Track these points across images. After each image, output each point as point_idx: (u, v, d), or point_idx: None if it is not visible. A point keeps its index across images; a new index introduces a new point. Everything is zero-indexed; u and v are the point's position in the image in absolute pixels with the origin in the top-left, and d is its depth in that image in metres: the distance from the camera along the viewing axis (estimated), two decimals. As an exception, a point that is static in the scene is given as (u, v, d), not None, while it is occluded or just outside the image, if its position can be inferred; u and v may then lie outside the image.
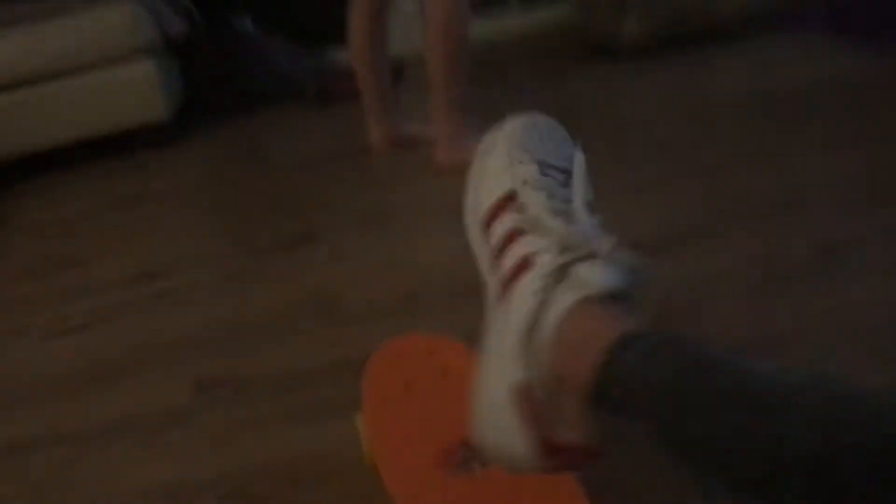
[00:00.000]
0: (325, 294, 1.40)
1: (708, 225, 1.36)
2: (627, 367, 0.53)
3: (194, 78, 3.00)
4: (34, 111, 2.54)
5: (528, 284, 0.61)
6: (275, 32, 3.18)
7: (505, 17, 3.56)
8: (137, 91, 2.57)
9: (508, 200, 0.66)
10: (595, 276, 0.59)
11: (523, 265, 0.63)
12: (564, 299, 0.59)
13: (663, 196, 1.52)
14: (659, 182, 1.59)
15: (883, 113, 1.71)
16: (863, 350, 0.95)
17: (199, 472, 0.99)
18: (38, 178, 2.62)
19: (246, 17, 3.17)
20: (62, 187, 2.48)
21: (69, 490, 1.02)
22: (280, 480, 0.94)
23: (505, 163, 0.68)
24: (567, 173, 0.69)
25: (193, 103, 2.94)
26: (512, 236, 0.65)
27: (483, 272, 0.70)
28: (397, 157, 2.09)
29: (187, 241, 1.82)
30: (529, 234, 0.63)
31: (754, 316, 1.07)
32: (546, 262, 0.61)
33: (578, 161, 0.70)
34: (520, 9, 3.57)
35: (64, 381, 1.29)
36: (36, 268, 1.83)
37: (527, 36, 3.40)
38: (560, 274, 0.60)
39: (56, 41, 2.50)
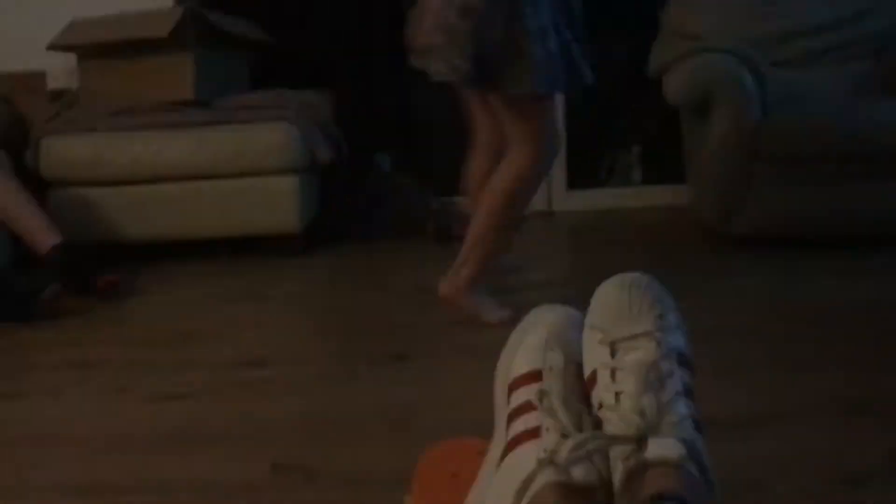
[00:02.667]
0: (404, 409, 1.48)
1: (783, 413, 1.38)
2: None
3: (330, 200, 3.26)
4: (189, 203, 2.83)
5: (532, 450, 0.72)
6: (408, 173, 3.43)
7: (627, 193, 3.71)
8: (279, 202, 2.82)
9: (533, 377, 0.77)
10: (579, 469, 0.69)
11: (532, 434, 0.74)
12: (543, 477, 0.70)
13: (747, 381, 1.55)
14: (747, 368, 1.62)
15: None
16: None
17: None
18: (174, 263, 2.87)
19: (386, 156, 3.45)
20: (193, 275, 2.71)
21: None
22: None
23: (541, 344, 0.79)
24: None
25: (325, 222, 3.18)
26: (528, 407, 0.76)
27: (496, 425, 0.83)
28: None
29: (293, 340, 1.97)
30: (541, 412, 0.74)
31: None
32: (549, 439, 0.72)
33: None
34: (642, 186, 3.72)
35: (156, 440, 1.41)
36: (156, 338, 2.01)
37: (646, 212, 3.52)
38: (553, 456, 0.71)
39: (219, 146, 2.80)
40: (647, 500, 0.64)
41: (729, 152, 2.62)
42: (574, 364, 0.78)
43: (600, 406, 0.73)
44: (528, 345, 0.82)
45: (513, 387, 0.79)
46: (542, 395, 0.75)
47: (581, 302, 2.18)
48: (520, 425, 0.75)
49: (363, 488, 1.20)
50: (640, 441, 0.67)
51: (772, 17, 3.04)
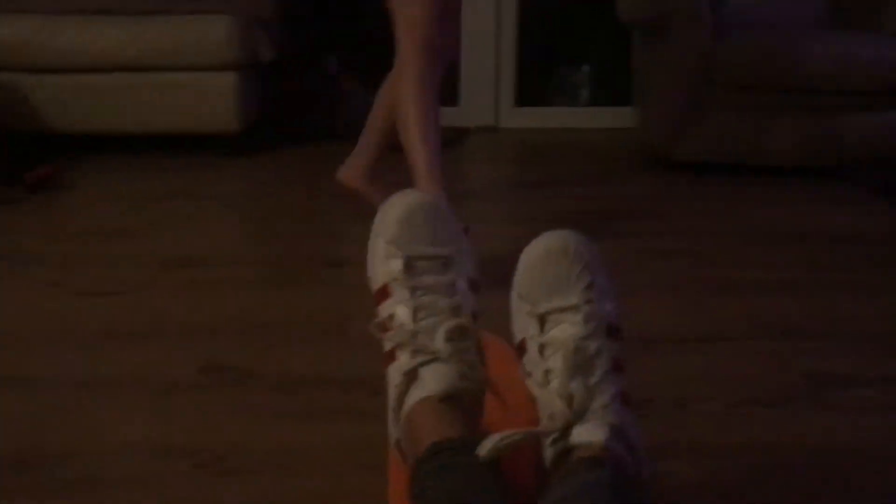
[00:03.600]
0: (339, 315, 1.48)
1: (716, 335, 1.42)
2: (419, 481, 0.66)
3: (272, 101, 3.16)
4: (123, 96, 2.71)
5: (393, 374, 0.75)
6: (354, 77, 3.34)
7: (574, 113, 3.70)
8: (217, 99, 2.72)
9: (385, 292, 0.78)
10: (433, 380, 0.71)
11: (391, 355, 0.76)
12: (412, 397, 0.72)
13: (684, 301, 1.58)
14: (686, 288, 1.66)
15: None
16: (827, 477, 0.99)
17: (182, 439, 1.06)
18: (111, 156, 2.77)
19: (333, 58, 3.35)
20: (130, 170, 2.62)
21: (62, 428, 1.09)
22: (261, 462, 1.01)
23: (381, 255, 0.80)
24: (443, 258, 0.79)
25: (266, 124, 3.09)
26: (385, 325, 0.77)
27: None
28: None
29: (228, 241, 1.93)
30: (394, 331, 0.75)
31: (735, 422, 1.12)
32: (402, 361, 0.74)
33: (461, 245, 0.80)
34: (590, 107, 3.71)
35: (83, 335, 1.38)
36: (85, 233, 1.95)
37: (592, 133, 3.52)
38: (411, 374, 0.73)
39: (157, 37, 2.67)
40: (578, 463, 0.65)
41: (682, 75, 2.62)
42: (425, 259, 0.78)
43: (529, 375, 0.74)
44: (374, 256, 0.83)
45: (376, 302, 0.80)
46: (389, 319, 0.76)
47: (522, 216, 2.18)
48: (386, 343, 0.77)
49: (293, 391, 1.19)
50: (566, 429, 0.68)
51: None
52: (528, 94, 3.71)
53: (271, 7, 2.99)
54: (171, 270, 1.70)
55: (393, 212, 0.81)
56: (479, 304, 0.80)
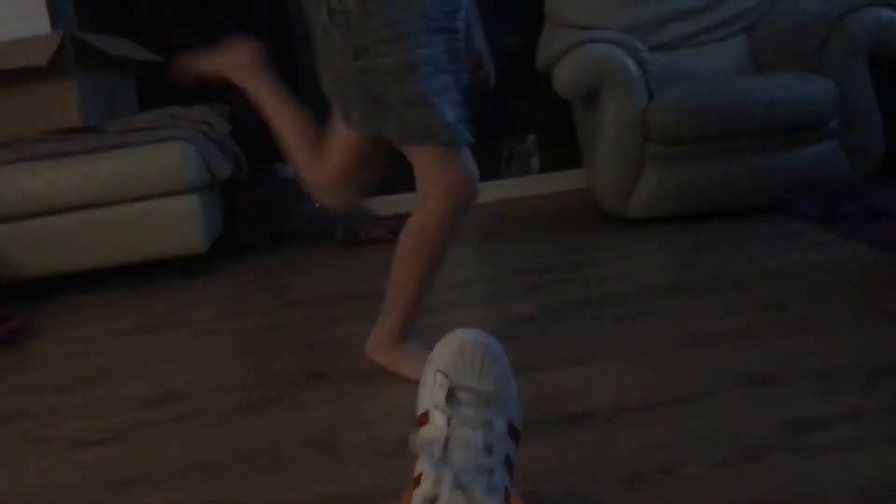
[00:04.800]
0: (329, 430, 1.50)
1: (688, 395, 1.47)
2: None
3: (233, 216, 3.22)
4: (86, 233, 2.75)
5: (417, 499, 0.78)
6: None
7: (527, 182, 3.80)
8: (180, 223, 2.78)
9: (425, 417, 0.82)
10: None
11: (417, 480, 0.79)
12: None
13: (653, 363, 1.63)
14: (652, 349, 1.71)
15: (865, 300, 1.83)
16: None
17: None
18: (75, 296, 2.79)
19: (285, 163, 3.43)
20: (96, 307, 2.64)
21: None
22: None
23: (430, 382, 0.85)
24: (486, 395, 0.83)
25: (229, 239, 3.15)
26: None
27: None
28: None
29: (207, 369, 1.95)
30: (424, 459, 0.79)
31: (721, 483, 1.16)
32: (426, 487, 0.77)
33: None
34: (541, 174, 3.82)
35: (81, 491, 1.39)
36: (64, 381, 1.96)
37: (547, 198, 3.61)
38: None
39: (113, 172, 2.73)
40: None
41: (620, 138, 2.74)
42: (468, 391, 0.83)
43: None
44: (424, 382, 0.87)
45: (417, 426, 0.84)
46: (421, 442, 0.80)
47: (488, 296, 2.21)
48: (417, 466, 0.80)
49: (296, 518, 1.21)
50: None
51: (646, 2, 3.17)
52: (479, 169, 3.80)
53: (222, 125, 3.08)
54: (156, 409, 1.71)
55: (448, 344, 0.86)
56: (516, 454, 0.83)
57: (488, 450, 0.79)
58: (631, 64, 2.72)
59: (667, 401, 1.45)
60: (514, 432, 0.84)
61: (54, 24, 3.32)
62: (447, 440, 0.78)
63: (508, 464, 0.81)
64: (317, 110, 1.82)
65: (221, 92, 3.30)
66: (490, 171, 3.83)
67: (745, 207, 2.79)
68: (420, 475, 0.78)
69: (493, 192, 3.77)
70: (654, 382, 1.54)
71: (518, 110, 3.80)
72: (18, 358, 2.20)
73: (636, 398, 1.47)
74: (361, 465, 1.35)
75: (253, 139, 3.30)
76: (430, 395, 0.83)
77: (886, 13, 2.74)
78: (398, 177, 3.76)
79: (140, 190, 2.75)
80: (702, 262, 2.33)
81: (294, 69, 3.36)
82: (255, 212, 3.29)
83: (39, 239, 2.74)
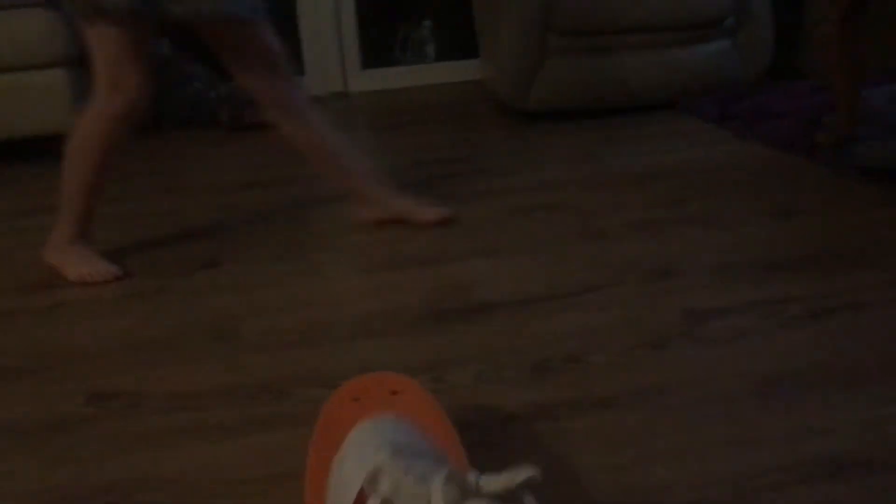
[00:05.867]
0: (226, 320, 1.43)
1: (592, 286, 1.48)
2: None
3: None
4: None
5: None
6: (193, 58, 3.20)
7: (421, 70, 3.70)
8: (48, 99, 2.55)
9: (370, 483, 0.70)
10: None
11: None
12: None
13: (556, 255, 1.63)
14: (555, 242, 1.71)
15: (758, 196, 1.88)
16: (718, 409, 1.06)
17: (84, 479, 1.01)
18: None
19: (165, 41, 3.19)
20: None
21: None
22: (168, 492, 0.97)
23: (357, 457, 0.76)
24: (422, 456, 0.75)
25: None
26: None
27: None
28: (307, 194, 2.15)
29: (88, 255, 1.82)
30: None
31: (625, 370, 1.18)
32: None
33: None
34: (436, 63, 3.72)
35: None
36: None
37: (442, 88, 3.53)
38: None
39: (-32, 40, 2.46)
40: None
41: (522, 29, 2.66)
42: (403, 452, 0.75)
43: None
44: (346, 471, 0.77)
45: None
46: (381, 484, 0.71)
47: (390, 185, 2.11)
48: None
49: (193, 411, 1.15)
50: None
51: None
52: (373, 55, 3.67)
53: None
54: (29, 297, 1.60)
55: (363, 430, 0.80)
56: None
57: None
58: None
59: (571, 292, 1.46)
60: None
61: None
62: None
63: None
64: None
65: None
66: (383, 57, 3.70)
67: (643, 104, 2.81)
68: None
69: (386, 79, 3.65)
70: (557, 274, 1.54)
71: (414, -6, 3.66)
72: None
73: (541, 289, 1.47)
74: (261, 354, 1.30)
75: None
76: (374, 461, 0.74)
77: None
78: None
79: (2, 62, 2.49)
80: (602, 157, 2.34)
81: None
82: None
83: None
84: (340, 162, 1.82)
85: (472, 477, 0.67)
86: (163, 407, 1.17)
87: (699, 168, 2.15)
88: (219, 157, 2.64)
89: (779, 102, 2.61)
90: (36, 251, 1.83)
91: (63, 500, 0.98)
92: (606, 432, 1.03)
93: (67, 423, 1.14)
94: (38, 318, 1.50)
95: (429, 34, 3.68)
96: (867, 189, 1.88)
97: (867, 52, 2.11)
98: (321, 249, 1.76)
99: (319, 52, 3.61)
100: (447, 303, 1.44)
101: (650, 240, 1.68)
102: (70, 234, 1.70)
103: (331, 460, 0.84)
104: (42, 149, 2.65)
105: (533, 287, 1.48)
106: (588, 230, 1.76)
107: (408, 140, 2.71)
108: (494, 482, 0.67)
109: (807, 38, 3.09)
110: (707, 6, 2.71)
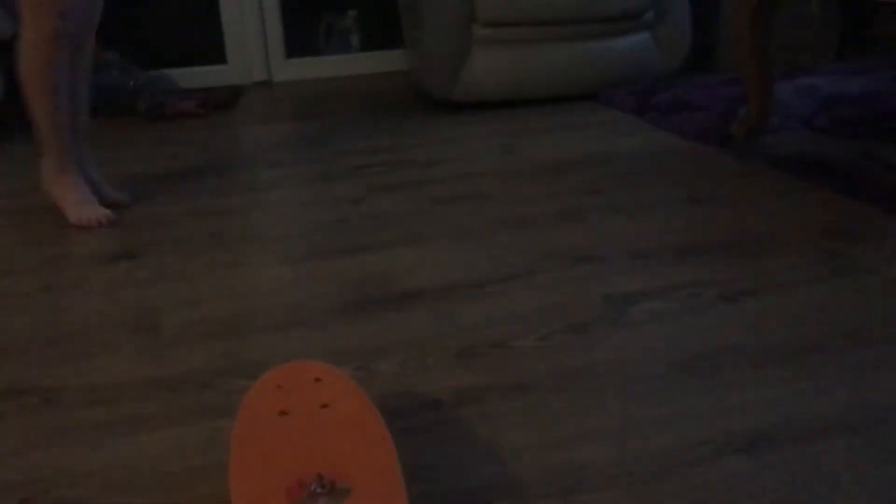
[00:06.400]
0: (145, 312, 1.40)
1: (514, 273, 1.50)
2: None
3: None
4: None
5: None
6: (110, 47, 3.11)
7: (346, 60, 3.67)
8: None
9: None
10: None
11: None
12: None
13: (479, 243, 1.65)
14: (477, 230, 1.72)
15: (675, 184, 1.94)
16: (638, 388, 1.10)
17: (1, 475, 0.98)
18: None
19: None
20: None
21: None
22: (88, 486, 0.95)
23: None
24: None
25: (15, 106, 2.81)
26: None
27: None
28: (226, 184, 2.12)
29: (-1, 248, 1.76)
30: None
31: (549, 354, 1.20)
32: None
33: None
34: (361, 52, 3.70)
35: None
36: None
37: (366, 79, 3.52)
38: None
39: None
40: None
41: (447, 20, 2.68)
42: None
43: None
44: None
45: None
46: None
47: (313, 176, 2.14)
48: None
49: (112, 404, 1.13)
50: None
51: None
52: (297, 45, 3.63)
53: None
54: (-61, 290, 1.53)
55: None
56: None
57: None
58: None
59: (493, 279, 1.48)
60: None
61: None
62: None
63: None
64: None
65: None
66: (308, 46, 3.66)
67: (565, 95, 2.85)
68: None
69: (310, 68, 3.62)
70: (480, 262, 1.56)
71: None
72: None
73: (463, 277, 1.49)
74: (182, 346, 1.28)
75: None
76: None
77: None
78: (205, 49, 3.52)
79: None
80: (523, 147, 2.37)
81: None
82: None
83: None
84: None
85: None
86: (81, 401, 1.14)
87: (618, 157, 2.21)
88: (136, 147, 2.57)
89: (695, 95, 2.69)
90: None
91: (-25, 498, 0.95)
92: (531, 415, 1.05)
93: (-20, 420, 1.10)
94: (-55, 313, 1.44)
95: (353, 24, 3.65)
96: (776, 178, 1.95)
97: (775, 48, 2.20)
98: (242, 240, 1.74)
99: (242, 41, 3.55)
100: (371, 292, 1.44)
101: (571, 227, 1.71)
102: (58, 161, 1.81)
103: (254, 451, 0.83)
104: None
105: (456, 275, 1.50)
106: (510, 218, 1.78)
107: (331, 130, 2.69)
108: None
109: (722, 33, 3.19)
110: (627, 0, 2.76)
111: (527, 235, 1.68)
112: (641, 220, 1.74)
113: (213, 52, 3.50)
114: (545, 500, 0.88)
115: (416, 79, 2.96)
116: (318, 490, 0.78)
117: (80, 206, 1.82)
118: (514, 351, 1.22)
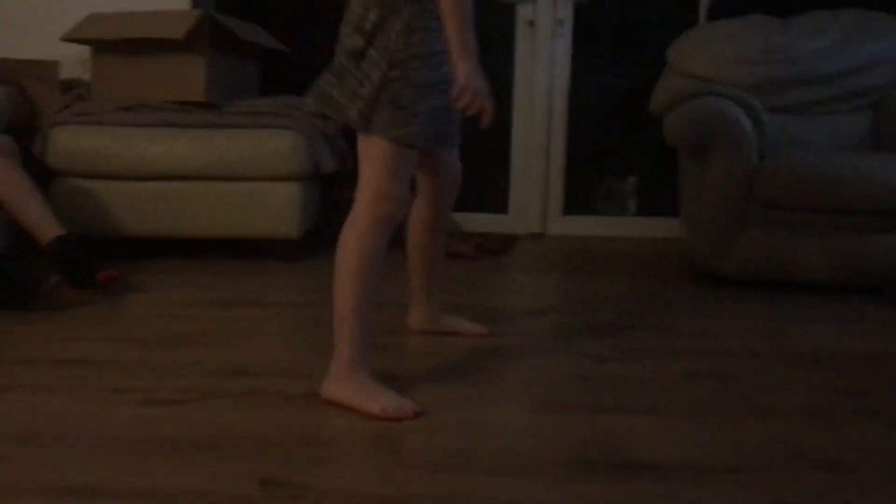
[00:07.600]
0: (392, 431, 1.53)
1: (751, 465, 1.44)
2: None
3: (330, 209, 3.32)
4: (189, 203, 2.90)
5: None
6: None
7: (621, 222, 3.78)
8: (280, 208, 2.89)
9: None
10: None
11: None
12: None
13: (718, 426, 1.61)
14: (723, 412, 1.68)
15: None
16: None
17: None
18: (173, 260, 2.94)
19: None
20: (190, 274, 2.78)
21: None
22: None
23: None
24: None
25: (323, 230, 3.24)
26: None
27: None
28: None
29: (284, 351, 2.02)
30: None
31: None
32: None
33: None
34: (636, 217, 3.79)
35: (148, 446, 1.46)
36: (150, 338, 2.06)
37: (637, 242, 3.58)
38: None
39: (225, 150, 2.86)
40: None
41: (724, 196, 2.69)
42: None
43: None
44: None
45: None
46: None
47: (564, 330, 2.21)
48: None
49: (344, 509, 1.24)
50: None
51: (773, 63, 3.12)
52: (575, 202, 3.81)
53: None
54: (227, 380, 1.79)
55: None
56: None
57: None
58: (746, 122, 2.68)
59: (726, 467, 1.43)
60: None
61: (195, 3, 3.49)
62: None
63: None
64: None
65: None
66: (586, 205, 3.83)
67: (839, 285, 2.71)
68: None
69: (585, 226, 3.77)
70: (714, 445, 1.52)
71: (623, 150, 3.80)
72: (110, 309, 2.33)
73: (695, 457, 1.46)
74: (419, 469, 1.38)
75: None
76: None
77: None
78: (485, 197, 3.81)
79: (248, 171, 2.87)
80: (786, 332, 2.28)
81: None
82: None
83: (147, 201, 2.89)
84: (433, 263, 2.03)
85: None
86: (325, 502, 1.27)
87: (887, 360, 2.04)
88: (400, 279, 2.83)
89: None
90: (239, 340, 2.05)
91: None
92: None
93: (240, 502, 1.27)
94: (229, 401, 1.67)
95: (632, 189, 3.78)
96: None
97: None
98: (487, 380, 1.84)
99: (524, 193, 3.80)
100: (599, 454, 1.46)
101: (820, 427, 1.61)
102: (349, 358, 1.65)
103: None
104: (263, 249, 2.98)
105: (687, 454, 1.47)
106: (757, 405, 1.72)
107: (594, 286, 2.77)
108: None
109: None
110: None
111: (771, 427, 1.61)
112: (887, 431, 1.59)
113: (496, 200, 3.78)
114: None
115: (686, 248, 2.98)
116: None
117: (376, 399, 1.62)
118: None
